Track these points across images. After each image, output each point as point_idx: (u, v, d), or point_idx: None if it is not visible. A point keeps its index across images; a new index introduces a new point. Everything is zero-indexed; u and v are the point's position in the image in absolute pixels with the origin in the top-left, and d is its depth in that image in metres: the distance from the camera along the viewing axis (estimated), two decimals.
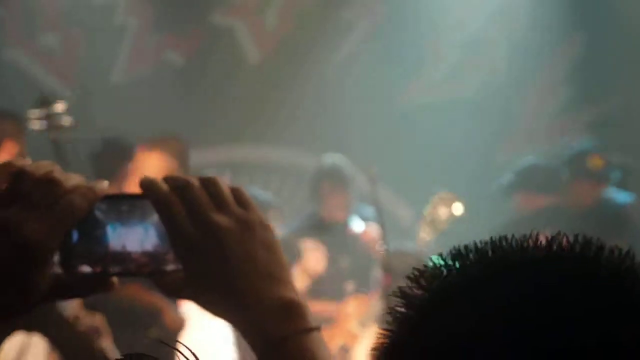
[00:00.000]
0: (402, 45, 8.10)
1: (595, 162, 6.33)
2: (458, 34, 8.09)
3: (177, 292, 1.14)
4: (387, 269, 5.38)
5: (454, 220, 6.30)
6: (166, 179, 1.13)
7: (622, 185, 6.51)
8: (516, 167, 6.20)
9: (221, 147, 8.21)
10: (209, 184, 1.11)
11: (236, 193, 1.14)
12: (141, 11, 8.14)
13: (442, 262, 0.91)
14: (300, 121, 7.92)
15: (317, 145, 7.76)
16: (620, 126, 7.37)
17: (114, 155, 5.82)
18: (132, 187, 4.86)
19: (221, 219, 1.12)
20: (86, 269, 1.15)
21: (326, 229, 6.68)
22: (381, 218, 6.15)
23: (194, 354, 1.09)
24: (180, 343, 1.16)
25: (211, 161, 8.04)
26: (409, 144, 7.76)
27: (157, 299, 5.29)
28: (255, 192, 6.82)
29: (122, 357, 0.99)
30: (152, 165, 5.55)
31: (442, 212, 6.24)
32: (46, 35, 8.07)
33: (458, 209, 6.36)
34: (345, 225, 6.51)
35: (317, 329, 1.05)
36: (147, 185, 1.12)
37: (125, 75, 8.17)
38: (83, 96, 7.67)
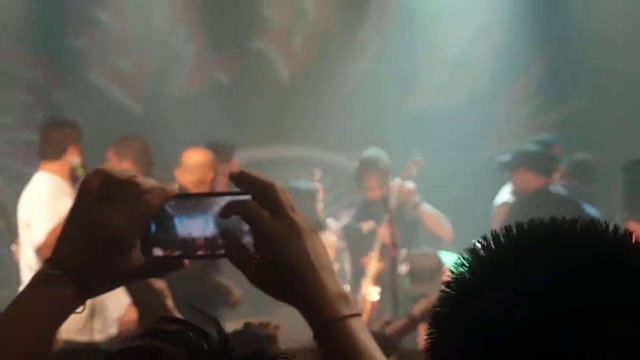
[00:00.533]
0: (406, 60, 9.21)
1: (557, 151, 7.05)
2: (450, 52, 9.26)
3: (252, 276, 1.25)
4: (396, 244, 6.31)
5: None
6: (253, 179, 1.24)
7: (585, 180, 7.22)
8: (518, 148, 6.63)
9: (257, 147, 9.26)
10: (283, 190, 1.24)
11: (285, 193, 1.28)
12: (196, 39, 9.26)
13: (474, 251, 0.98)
14: (323, 124, 9.04)
15: (339, 143, 9.15)
16: (579, 126, 8.38)
17: (217, 156, 6.63)
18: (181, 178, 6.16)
19: (298, 218, 1.24)
20: (160, 252, 1.29)
21: (369, 207, 7.52)
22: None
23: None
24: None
25: (249, 158, 9.05)
26: (411, 139, 8.49)
27: (225, 280, 6.00)
28: (303, 183, 7.98)
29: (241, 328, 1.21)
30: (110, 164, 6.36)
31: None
32: (120, 60, 9.22)
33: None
34: (383, 201, 7.08)
35: (360, 315, 1.18)
36: (240, 178, 1.24)
37: (188, 89, 9.34)
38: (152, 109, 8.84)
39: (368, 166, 7.49)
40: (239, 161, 7.64)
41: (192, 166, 6.69)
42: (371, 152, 7.65)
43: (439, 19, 9.22)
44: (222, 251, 1.26)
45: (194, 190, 6.32)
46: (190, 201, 1.28)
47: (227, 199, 1.26)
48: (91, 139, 6.24)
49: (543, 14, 9.18)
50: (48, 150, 6.00)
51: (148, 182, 1.27)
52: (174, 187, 1.28)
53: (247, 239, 1.25)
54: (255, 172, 1.24)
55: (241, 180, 1.23)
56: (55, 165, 5.96)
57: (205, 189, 6.41)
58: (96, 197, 1.26)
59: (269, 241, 1.21)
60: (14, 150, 8.73)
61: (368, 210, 7.55)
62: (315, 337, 1.20)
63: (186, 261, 1.28)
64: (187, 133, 7.76)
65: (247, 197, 1.24)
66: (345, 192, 8.90)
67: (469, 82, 9.33)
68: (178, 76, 9.46)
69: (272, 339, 3.66)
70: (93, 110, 8.57)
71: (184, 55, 9.48)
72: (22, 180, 6.43)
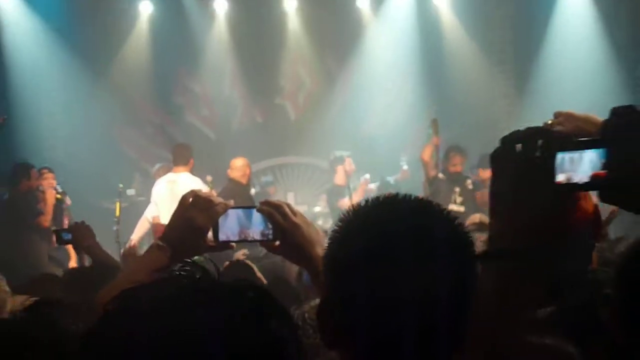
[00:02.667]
0: (359, 107, 12.80)
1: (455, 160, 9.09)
2: (381, 98, 12.70)
3: (274, 250, 1.89)
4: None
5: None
6: (268, 203, 1.92)
7: None
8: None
9: (275, 157, 13.00)
10: (288, 205, 1.89)
11: (290, 207, 1.89)
12: (243, 97, 13.19)
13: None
14: (314, 143, 12.59)
15: (325, 154, 12.22)
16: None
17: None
18: None
19: (297, 220, 1.88)
20: (224, 237, 1.90)
21: (338, 189, 9.82)
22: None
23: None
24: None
25: (276, 161, 12.93)
26: (369, 157, 11.36)
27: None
28: (267, 178, 11.31)
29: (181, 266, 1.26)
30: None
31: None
32: (202, 108, 13.32)
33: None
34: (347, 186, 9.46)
35: None
36: (262, 208, 1.90)
37: (239, 125, 13.17)
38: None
39: (337, 161, 10.30)
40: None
41: (237, 167, 8.65)
42: (337, 153, 10.35)
43: (375, 85, 12.78)
44: (259, 239, 1.90)
45: (240, 180, 8.64)
46: (245, 212, 1.90)
47: (255, 210, 1.88)
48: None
49: (431, 80, 12.52)
50: (180, 159, 8.36)
51: (217, 199, 1.90)
52: (230, 203, 1.89)
53: (271, 232, 1.93)
54: (273, 200, 1.91)
55: (265, 204, 1.93)
56: (185, 168, 8.35)
57: (245, 180, 8.56)
58: (189, 205, 1.91)
59: (284, 233, 1.88)
60: (147, 158, 12.12)
61: (338, 191, 10.38)
62: (312, 279, 1.82)
63: (233, 244, 1.90)
64: (239, 150, 10.31)
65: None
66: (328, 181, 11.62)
67: (392, 119, 12.81)
68: (234, 117, 13.25)
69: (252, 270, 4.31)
70: (189, 138, 12.08)
71: (237, 105, 13.12)
72: (149, 176, 9.25)
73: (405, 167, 10.30)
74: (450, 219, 1.36)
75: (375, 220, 1.32)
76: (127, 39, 12.82)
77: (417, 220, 1.31)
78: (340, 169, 9.95)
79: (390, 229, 1.29)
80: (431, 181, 8.38)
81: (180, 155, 8.71)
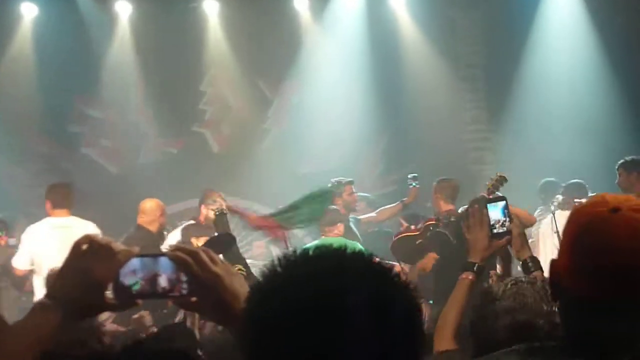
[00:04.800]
0: (298, 140, 11.69)
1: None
2: (323, 131, 11.58)
3: (190, 308, 1.77)
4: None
5: None
6: (183, 249, 1.72)
7: None
8: None
9: (195, 198, 10.48)
10: (205, 252, 1.73)
11: (209, 254, 1.72)
12: (153, 125, 11.75)
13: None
14: (242, 182, 11.27)
15: (254, 195, 11.27)
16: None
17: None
18: None
19: (218, 269, 1.71)
20: (124, 294, 1.74)
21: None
22: None
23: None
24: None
25: (191, 205, 10.71)
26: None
27: None
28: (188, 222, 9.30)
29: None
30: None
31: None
32: (102, 140, 11.81)
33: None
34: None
35: None
36: (174, 255, 1.70)
37: (146, 159, 11.75)
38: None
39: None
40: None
41: (146, 210, 8.03)
42: (334, 180, 9.13)
43: (317, 111, 11.64)
44: (171, 294, 1.72)
45: (148, 227, 7.91)
46: (149, 259, 1.73)
47: (165, 258, 1.72)
48: (86, 192, 8.54)
49: (384, 102, 11.44)
50: (65, 200, 7.77)
51: (118, 245, 1.74)
52: (135, 250, 1.73)
53: (185, 286, 1.73)
54: (186, 247, 1.75)
55: (178, 250, 1.74)
56: (68, 211, 7.75)
57: (156, 226, 7.84)
58: (83, 253, 1.73)
59: (201, 286, 1.70)
60: (32, 199, 10.32)
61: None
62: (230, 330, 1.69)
63: (139, 301, 1.74)
64: (149, 188, 9.43)
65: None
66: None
67: (338, 152, 11.64)
68: (142, 148, 11.83)
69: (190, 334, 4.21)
70: (87, 172, 11.08)
71: (146, 134, 11.76)
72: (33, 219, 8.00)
73: (414, 184, 9.01)
74: (394, 284, 1.36)
75: (296, 280, 1.32)
76: (6, 49, 11.58)
77: (339, 282, 1.31)
78: (338, 202, 8.70)
79: (303, 293, 1.30)
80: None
81: (65, 196, 8.06)
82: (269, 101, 12.17)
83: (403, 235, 7.56)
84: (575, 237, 1.72)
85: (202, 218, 7.91)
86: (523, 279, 2.67)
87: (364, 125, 11.80)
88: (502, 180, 6.73)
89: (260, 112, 12.09)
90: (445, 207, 7.85)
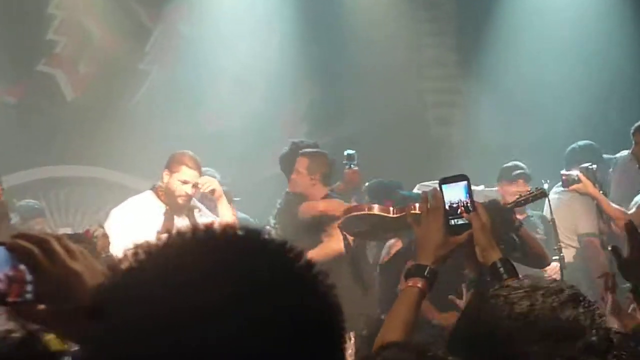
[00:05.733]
0: (189, 86, 10.04)
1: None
2: (227, 77, 10.07)
3: (38, 318, 1.49)
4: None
5: None
6: (27, 237, 1.47)
7: None
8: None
9: (41, 167, 9.90)
10: (57, 239, 1.48)
11: (64, 243, 1.49)
12: None
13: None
14: (109, 144, 9.60)
15: (127, 164, 9.67)
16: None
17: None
18: None
19: (77, 266, 1.48)
20: None
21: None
22: None
23: None
24: None
25: (41, 178, 9.88)
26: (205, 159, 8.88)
27: None
28: (30, 202, 8.62)
29: None
30: None
31: None
32: None
33: None
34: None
35: None
36: (13, 244, 1.44)
37: None
38: None
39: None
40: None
41: None
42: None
43: (218, 49, 10.05)
44: (7, 299, 1.43)
45: None
46: None
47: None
48: None
49: (311, 39, 10.21)
50: None
51: None
52: None
53: (29, 288, 1.44)
54: (32, 233, 1.48)
55: (19, 238, 1.46)
56: None
57: None
58: None
59: (53, 287, 1.44)
60: None
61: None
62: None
63: None
64: None
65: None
66: None
67: (245, 107, 10.18)
68: None
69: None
70: None
71: None
72: None
73: (351, 164, 7.72)
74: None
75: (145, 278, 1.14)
76: None
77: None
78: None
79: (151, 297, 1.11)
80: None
81: None
82: (147, 30, 10.75)
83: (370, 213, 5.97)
84: None
85: (159, 192, 6.85)
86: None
87: (283, 70, 10.68)
88: (540, 195, 6.22)
89: (135, 46, 10.62)
90: (321, 191, 7.08)
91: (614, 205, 6.90)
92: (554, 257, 6.45)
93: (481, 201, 5.36)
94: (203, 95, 10.37)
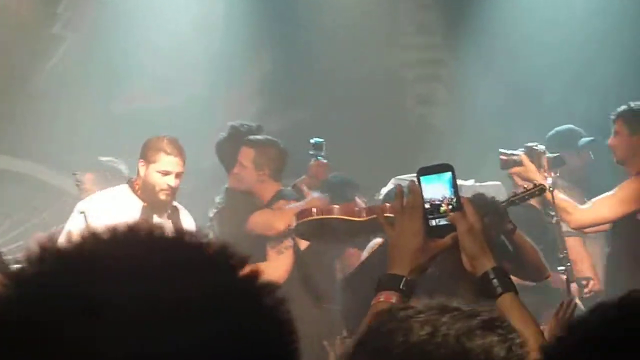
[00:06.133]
0: (112, 59, 9.12)
1: None
2: (162, 49, 9.13)
3: None
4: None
5: None
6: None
7: None
8: None
9: None
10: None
11: None
12: None
13: None
14: (16, 126, 8.73)
15: (35, 150, 8.92)
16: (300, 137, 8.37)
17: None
18: None
19: None
20: None
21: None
22: None
23: None
24: None
25: None
26: (122, 147, 8.38)
27: None
28: None
29: None
30: None
31: None
32: None
33: None
34: None
35: None
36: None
37: None
38: None
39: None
40: None
41: None
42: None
43: (146, 12, 9.21)
44: None
45: None
46: None
47: None
48: None
49: (262, 21, 9.47)
50: None
51: None
52: None
53: None
54: None
55: None
56: None
57: None
58: None
59: None
60: None
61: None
62: None
63: None
64: None
65: None
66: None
67: (184, 81, 9.38)
68: None
69: None
70: None
71: None
72: None
73: (319, 155, 7.28)
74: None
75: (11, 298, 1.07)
76: None
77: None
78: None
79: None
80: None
81: None
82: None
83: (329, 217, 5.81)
84: None
85: (135, 187, 6.42)
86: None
87: (231, 38, 9.69)
88: (540, 191, 5.79)
89: (45, 7, 9.72)
90: (272, 187, 6.89)
91: (562, 195, 6.61)
92: (559, 268, 6.03)
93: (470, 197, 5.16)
94: (125, 66, 9.42)
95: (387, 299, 2.73)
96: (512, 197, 5.61)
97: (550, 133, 7.30)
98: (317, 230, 5.46)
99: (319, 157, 7.19)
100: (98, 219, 5.93)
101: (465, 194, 5.55)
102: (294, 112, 9.36)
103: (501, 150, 6.47)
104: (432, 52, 10.29)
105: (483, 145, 7.64)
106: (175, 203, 6.28)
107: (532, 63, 9.32)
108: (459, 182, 5.72)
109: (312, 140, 7.32)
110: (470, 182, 6.90)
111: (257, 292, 1.06)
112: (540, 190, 5.75)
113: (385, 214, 3.46)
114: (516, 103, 9.06)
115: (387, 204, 5.03)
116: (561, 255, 6.20)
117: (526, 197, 5.68)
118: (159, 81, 9.48)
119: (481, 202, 5.06)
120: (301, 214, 5.54)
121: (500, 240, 5.26)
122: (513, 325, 2.03)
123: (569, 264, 6.11)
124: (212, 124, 8.99)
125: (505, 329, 1.97)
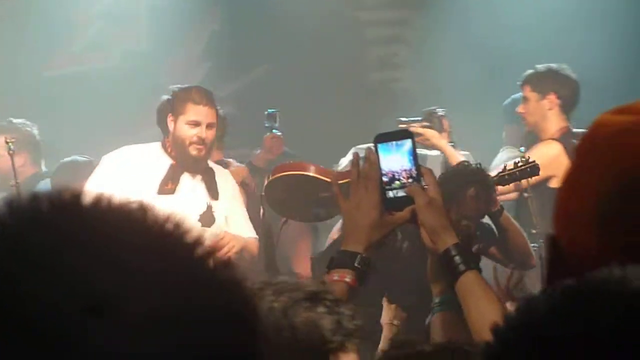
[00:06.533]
0: (43, 16, 8.60)
1: None
2: (97, 6, 8.73)
3: None
4: None
5: None
6: None
7: None
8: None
9: None
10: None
11: None
12: None
13: None
14: None
15: None
16: (257, 97, 8.03)
17: None
18: None
19: None
20: None
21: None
22: None
23: None
24: None
25: None
26: (55, 111, 8.21)
27: None
28: None
29: None
30: None
31: None
32: None
33: None
34: None
35: None
36: None
37: None
38: None
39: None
40: None
41: None
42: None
43: None
44: None
45: None
46: None
47: None
48: None
49: None
50: None
51: None
52: None
53: None
54: None
55: None
56: None
57: None
58: None
59: None
60: None
61: None
62: None
63: None
64: None
65: None
66: None
67: (125, 43, 9.02)
68: None
69: None
70: None
71: None
72: None
73: (273, 128, 7.10)
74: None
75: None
76: None
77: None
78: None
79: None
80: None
81: None
82: None
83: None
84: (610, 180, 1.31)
85: (167, 145, 6.01)
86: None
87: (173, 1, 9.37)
88: (531, 171, 5.50)
89: None
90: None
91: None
92: (532, 245, 5.75)
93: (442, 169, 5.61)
94: (59, 29, 8.97)
95: (342, 277, 2.62)
96: (502, 172, 5.44)
97: (507, 101, 7.15)
98: (287, 192, 5.39)
99: (274, 130, 7.01)
100: (121, 174, 5.77)
101: (431, 164, 5.35)
102: (246, 75, 8.93)
103: (400, 118, 6.36)
104: (392, 10, 9.79)
105: (453, 111, 7.10)
106: (211, 164, 6.02)
107: (506, 22, 8.69)
108: (424, 151, 5.30)
109: (266, 112, 7.10)
110: (435, 152, 6.62)
111: (214, 269, 0.97)
112: (532, 167, 5.54)
113: (340, 181, 3.35)
114: (490, 64, 8.52)
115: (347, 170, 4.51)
116: (534, 231, 5.97)
117: (517, 174, 5.50)
118: (96, 40, 9.05)
119: (466, 171, 4.98)
120: (276, 169, 5.50)
121: (485, 223, 5.24)
122: (339, 298, 2.11)
123: (541, 241, 5.82)
124: (157, 88, 8.48)
125: (332, 302, 2.05)
